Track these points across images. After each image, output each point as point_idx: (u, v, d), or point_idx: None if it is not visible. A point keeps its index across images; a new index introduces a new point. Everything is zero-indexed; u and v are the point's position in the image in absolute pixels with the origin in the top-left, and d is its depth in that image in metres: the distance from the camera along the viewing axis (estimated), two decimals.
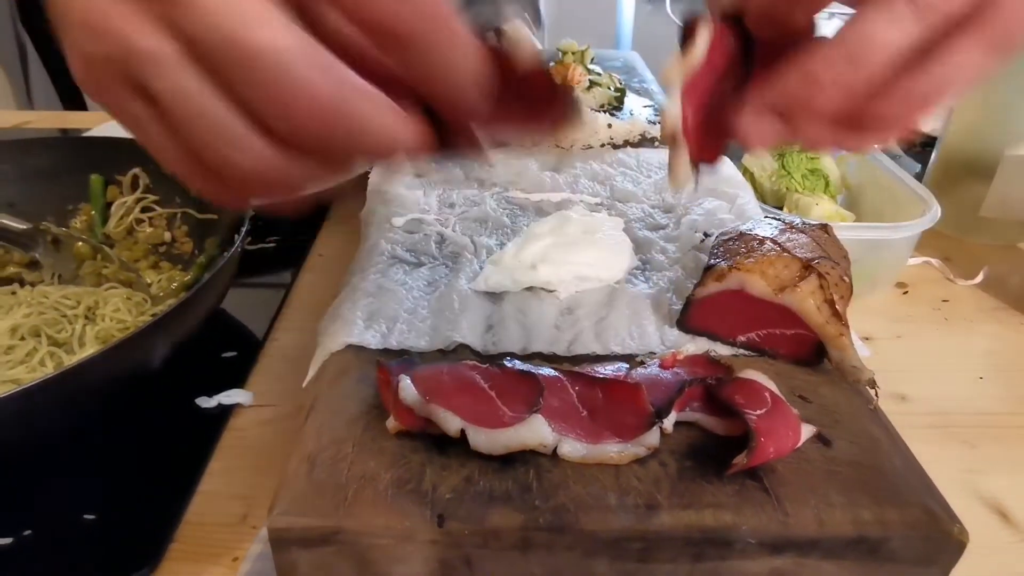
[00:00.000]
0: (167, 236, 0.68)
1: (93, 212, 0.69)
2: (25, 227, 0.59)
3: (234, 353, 0.58)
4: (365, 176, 0.67)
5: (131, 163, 0.70)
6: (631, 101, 0.84)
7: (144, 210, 0.69)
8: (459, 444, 0.33)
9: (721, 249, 0.42)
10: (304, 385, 0.42)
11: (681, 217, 0.55)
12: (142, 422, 0.51)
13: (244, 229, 0.55)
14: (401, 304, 0.44)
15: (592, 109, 0.77)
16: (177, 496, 0.45)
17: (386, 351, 0.40)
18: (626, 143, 0.71)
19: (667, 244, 0.51)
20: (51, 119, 1.07)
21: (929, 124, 0.92)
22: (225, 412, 0.52)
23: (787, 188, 0.75)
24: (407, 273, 0.48)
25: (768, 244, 0.40)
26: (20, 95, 2.01)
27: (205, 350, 0.57)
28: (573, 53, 0.85)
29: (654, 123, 0.76)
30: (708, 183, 0.61)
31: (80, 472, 0.47)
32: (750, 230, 0.43)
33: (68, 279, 0.62)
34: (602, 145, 0.70)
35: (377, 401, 0.36)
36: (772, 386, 0.35)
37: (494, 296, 0.45)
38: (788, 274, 0.38)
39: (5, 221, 0.59)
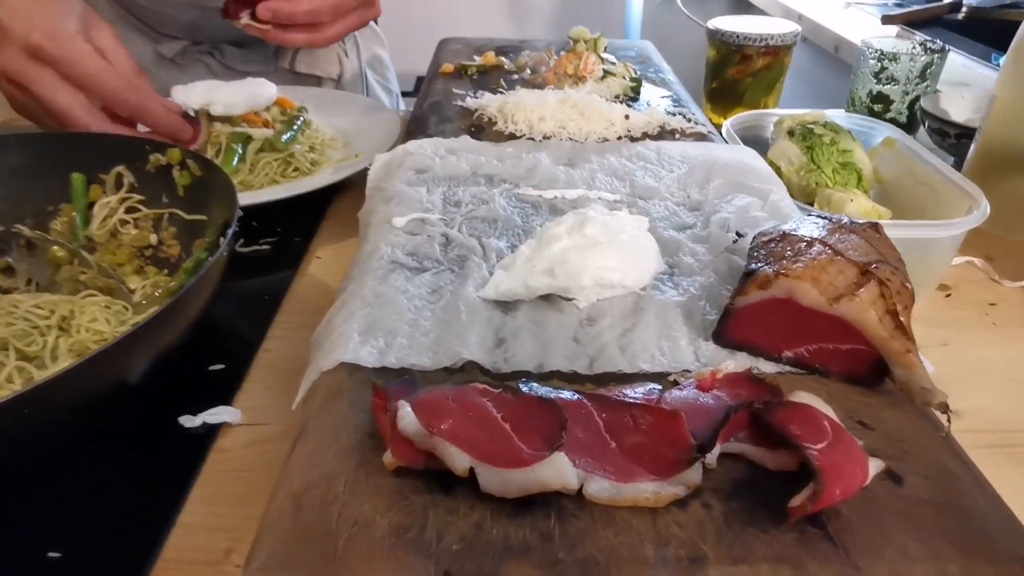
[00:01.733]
0: (153, 239, 0.63)
1: (74, 213, 0.64)
2: None
3: (222, 366, 0.53)
4: (363, 173, 0.62)
5: (114, 161, 0.65)
6: (648, 92, 0.79)
7: (129, 211, 0.65)
8: (468, 483, 0.28)
9: (762, 252, 0.37)
10: (293, 407, 0.37)
11: (710, 215, 0.50)
12: (117, 444, 0.47)
13: (231, 231, 0.50)
14: (401, 315, 0.39)
15: (607, 100, 0.73)
16: (154, 529, 0.40)
17: (384, 370, 0.35)
18: (644, 135, 0.66)
19: (696, 245, 0.46)
20: None
21: (963, 114, 0.87)
22: (211, 432, 0.48)
23: (817, 183, 0.70)
24: (408, 279, 0.43)
25: (817, 246, 0.35)
26: None
27: (190, 362, 0.53)
28: (585, 41, 0.80)
29: (673, 114, 0.71)
30: (737, 177, 0.56)
31: (44, 502, 0.43)
32: (794, 230, 0.38)
33: (44, 285, 0.57)
34: (619, 138, 0.65)
35: (373, 429, 0.32)
36: (830, 412, 0.30)
37: (505, 305, 0.40)
38: (843, 281, 0.33)
39: None
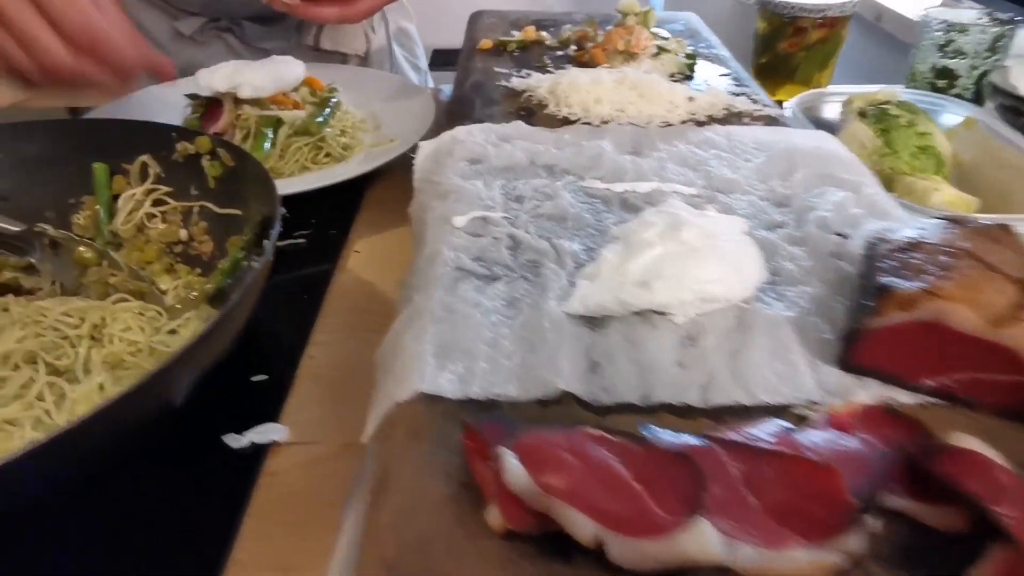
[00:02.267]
0: (183, 234, 0.59)
1: (98, 206, 0.60)
2: (19, 229, 0.50)
3: (264, 376, 0.49)
4: (408, 158, 0.57)
5: (139, 149, 0.61)
6: (703, 69, 0.73)
7: (156, 203, 0.60)
8: (591, 550, 0.24)
9: (892, 263, 0.33)
10: (364, 440, 0.33)
11: (802, 212, 0.45)
12: (158, 468, 0.43)
13: (274, 232, 0.46)
14: (478, 333, 0.35)
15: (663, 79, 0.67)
16: (203, 571, 0.36)
17: (469, 401, 0.31)
18: (710, 119, 0.60)
19: (793, 248, 0.41)
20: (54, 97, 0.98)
21: None
22: (258, 452, 0.44)
23: (892, 169, 0.65)
24: (479, 290, 0.39)
25: (966, 259, 0.30)
26: None
27: (231, 374, 0.49)
28: (635, 15, 0.74)
29: (738, 95, 0.65)
30: (821, 167, 0.51)
31: (74, 541, 0.39)
32: (925, 237, 0.34)
33: (70, 287, 0.53)
34: (683, 122, 0.60)
35: (467, 477, 0.28)
36: (998, 458, 0.26)
37: (594, 322, 0.36)
38: (1003, 301, 0.29)
39: None
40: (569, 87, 0.62)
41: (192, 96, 0.79)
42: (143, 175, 0.61)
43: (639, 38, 0.70)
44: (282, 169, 0.72)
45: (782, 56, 0.91)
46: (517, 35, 0.82)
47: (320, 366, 0.51)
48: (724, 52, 0.80)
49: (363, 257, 0.64)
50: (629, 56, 0.71)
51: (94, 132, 0.61)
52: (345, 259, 0.64)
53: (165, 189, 0.60)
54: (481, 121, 0.61)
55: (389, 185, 0.74)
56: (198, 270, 0.57)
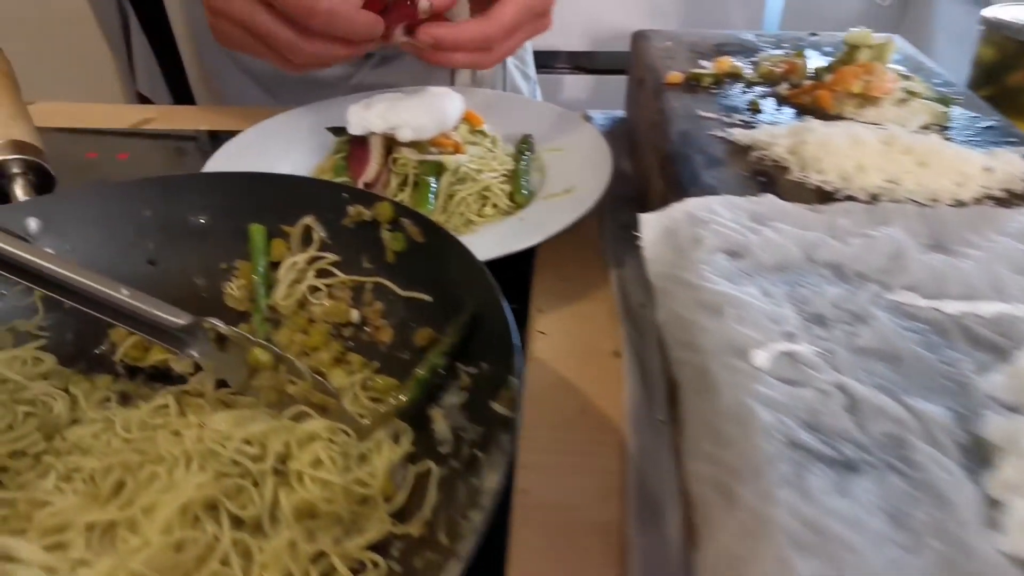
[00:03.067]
0: (354, 315, 0.50)
1: (254, 276, 0.51)
2: (184, 323, 0.42)
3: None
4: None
5: (302, 209, 0.52)
6: (957, 116, 0.60)
7: (320, 274, 0.52)
8: None
9: None
10: None
11: None
12: None
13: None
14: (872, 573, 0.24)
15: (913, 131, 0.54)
16: None
17: None
18: (1009, 195, 0.48)
19: None
20: (176, 116, 0.91)
21: None
22: None
23: None
24: (839, 488, 0.28)
25: None
26: (123, 69, 1.89)
27: None
28: (869, 47, 0.62)
29: None
30: None
31: None
32: None
33: (237, 388, 0.44)
34: (977, 200, 0.47)
35: None
36: None
37: None
38: None
39: (158, 314, 0.42)
40: (819, 148, 0.50)
41: (335, 131, 0.71)
42: (306, 239, 0.52)
43: (882, 80, 0.58)
44: (445, 224, 0.63)
45: (1012, 90, 0.77)
46: (707, 65, 0.70)
47: (537, 506, 0.41)
48: (964, 89, 0.66)
49: (552, 342, 0.54)
50: (865, 100, 0.59)
51: (250, 188, 0.53)
52: (531, 343, 0.54)
53: (331, 258, 0.51)
54: (710, 187, 0.50)
55: (560, 243, 0.63)
56: (375, 363, 0.48)
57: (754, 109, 0.61)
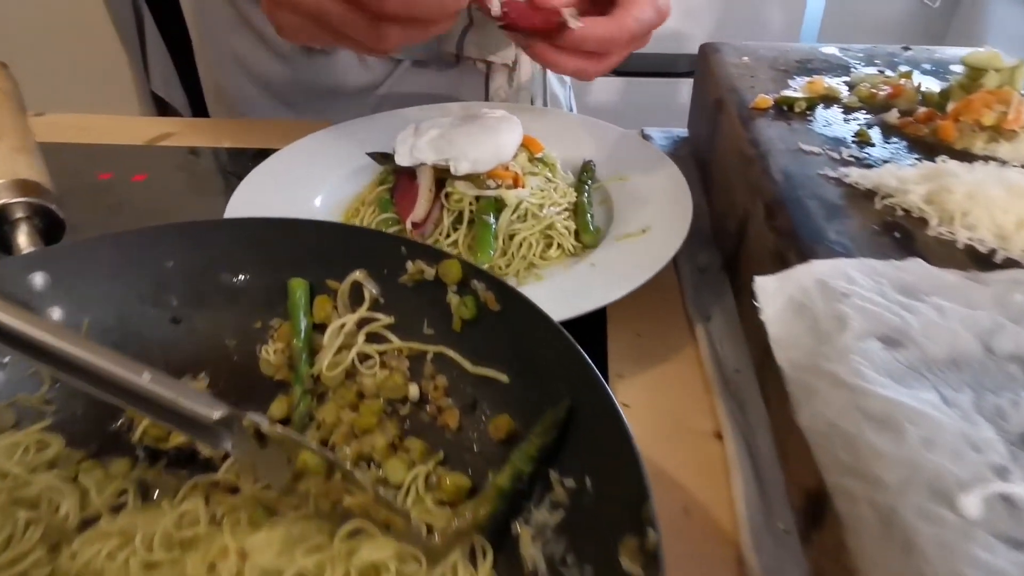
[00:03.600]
0: (412, 390, 0.43)
1: (295, 341, 0.44)
2: (219, 415, 0.34)
3: None
4: None
5: (351, 262, 0.45)
6: None
7: (372, 338, 0.44)
8: None
9: None
10: None
11: None
12: None
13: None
14: None
15: None
16: None
17: None
18: None
19: None
20: (197, 131, 0.84)
21: None
22: None
23: None
24: None
25: None
26: (137, 69, 1.82)
27: None
28: (997, 70, 0.54)
29: None
30: None
31: None
32: None
33: (278, 489, 0.37)
34: None
35: None
36: None
37: None
38: None
39: (187, 404, 0.34)
40: (967, 198, 0.42)
41: (378, 157, 0.63)
42: (356, 297, 0.45)
43: (1020, 111, 0.49)
44: (505, 269, 0.55)
45: None
46: (794, 86, 0.62)
47: None
48: None
49: (637, 418, 0.46)
50: (998, 134, 0.51)
51: (288, 235, 0.45)
52: None
53: (385, 320, 0.44)
54: (836, 245, 0.42)
55: (633, 297, 0.55)
56: (439, 452, 0.40)
57: (863, 141, 0.53)
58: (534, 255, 0.56)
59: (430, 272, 0.42)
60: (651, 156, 0.66)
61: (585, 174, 0.64)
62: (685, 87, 1.80)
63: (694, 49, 0.76)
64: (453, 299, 0.41)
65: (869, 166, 0.49)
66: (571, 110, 0.99)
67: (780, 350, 0.36)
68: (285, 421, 0.43)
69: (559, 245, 0.57)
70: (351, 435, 0.42)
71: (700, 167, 0.70)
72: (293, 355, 0.44)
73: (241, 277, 0.46)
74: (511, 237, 0.56)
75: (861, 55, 0.70)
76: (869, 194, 0.46)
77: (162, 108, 1.87)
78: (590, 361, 0.34)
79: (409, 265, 0.43)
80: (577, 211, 0.59)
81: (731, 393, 0.48)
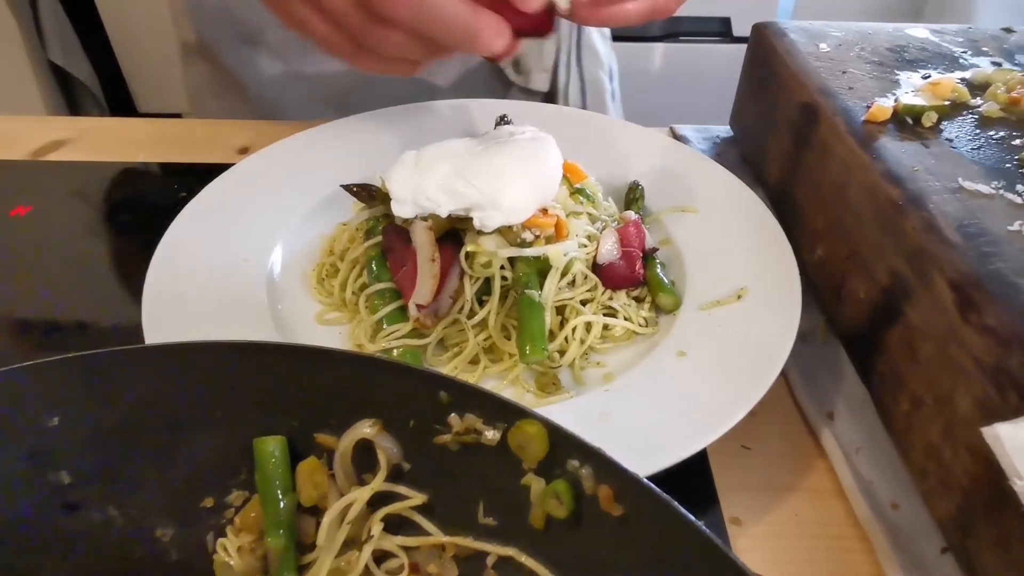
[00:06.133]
0: None
1: (271, 537, 0.28)
2: None
3: None
4: None
5: (353, 407, 0.28)
6: None
7: (393, 526, 0.29)
8: None
9: None
10: None
11: None
12: None
13: None
14: None
15: None
16: None
17: None
18: None
19: None
20: (107, 136, 0.63)
21: None
22: None
23: None
24: None
25: None
26: (30, 38, 1.54)
27: None
28: None
29: None
30: None
31: None
32: None
33: None
34: None
35: None
36: None
37: None
38: None
39: None
40: None
41: (359, 193, 0.46)
42: (362, 462, 0.29)
43: None
44: (557, 359, 0.39)
45: None
46: (903, 84, 0.48)
47: None
48: None
49: (756, 558, 0.32)
50: None
51: (248, 366, 0.28)
52: None
53: (414, 498, 0.28)
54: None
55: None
56: None
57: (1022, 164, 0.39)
58: (596, 337, 0.40)
59: (491, 436, 0.26)
60: (717, 177, 0.51)
61: (635, 204, 0.48)
62: (669, 52, 1.63)
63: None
64: (535, 484, 0.26)
65: None
66: (612, 78, 0.79)
67: None
68: None
69: (626, 318, 0.41)
70: None
71: (760, 181, 0.55)
72: (269, 557, 0.28)
73: (174, 431, 0.29)
74: (558, 311, 0.40)
75: (961, 40, 0.56)
76: None
77: (63, 80, 1.60)
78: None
79: (453, 420, 0.27)
80: (646, 266, 0.44)
81: (893, 536, 0.34)
